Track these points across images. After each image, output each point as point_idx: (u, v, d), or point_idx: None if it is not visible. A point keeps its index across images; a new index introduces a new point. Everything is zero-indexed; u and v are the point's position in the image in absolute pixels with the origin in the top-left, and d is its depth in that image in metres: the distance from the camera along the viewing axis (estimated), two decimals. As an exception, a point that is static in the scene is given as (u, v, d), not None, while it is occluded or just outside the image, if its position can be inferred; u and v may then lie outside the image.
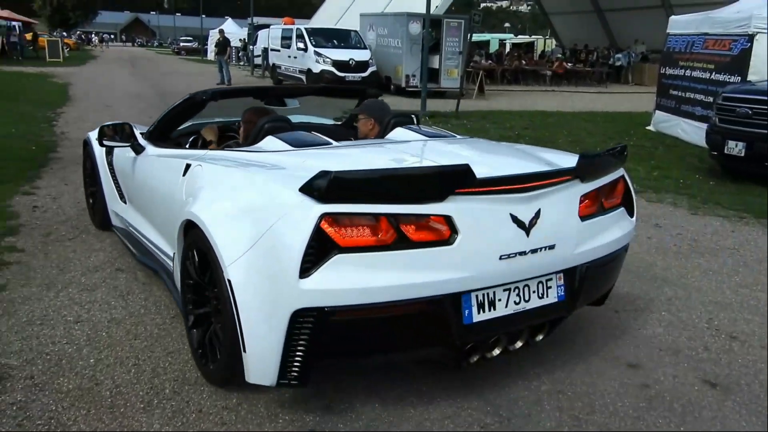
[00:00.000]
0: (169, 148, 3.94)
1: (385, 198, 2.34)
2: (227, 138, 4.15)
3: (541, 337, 2.94)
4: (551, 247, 2.69)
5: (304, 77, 19.15)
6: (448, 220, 2.43)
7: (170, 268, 3.35)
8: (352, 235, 2.32)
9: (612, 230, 3.05)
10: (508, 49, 35.81)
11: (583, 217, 2.86)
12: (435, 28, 18.92)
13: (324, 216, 2.28)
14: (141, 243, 4.06)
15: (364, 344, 2.53)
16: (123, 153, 4.31)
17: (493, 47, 37.37)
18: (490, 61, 26.77)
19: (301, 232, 2.27)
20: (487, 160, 3.15)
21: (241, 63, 35.34)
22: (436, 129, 3.99)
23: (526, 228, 2.59)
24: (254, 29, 30.16)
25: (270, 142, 3.21)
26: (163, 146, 3.98)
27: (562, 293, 2.83)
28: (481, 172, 2.49)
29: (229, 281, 2.44)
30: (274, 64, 22.19)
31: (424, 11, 14.44)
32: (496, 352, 2.80)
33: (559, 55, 30.97)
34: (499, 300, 2.63)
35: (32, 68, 24.63)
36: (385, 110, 3.93)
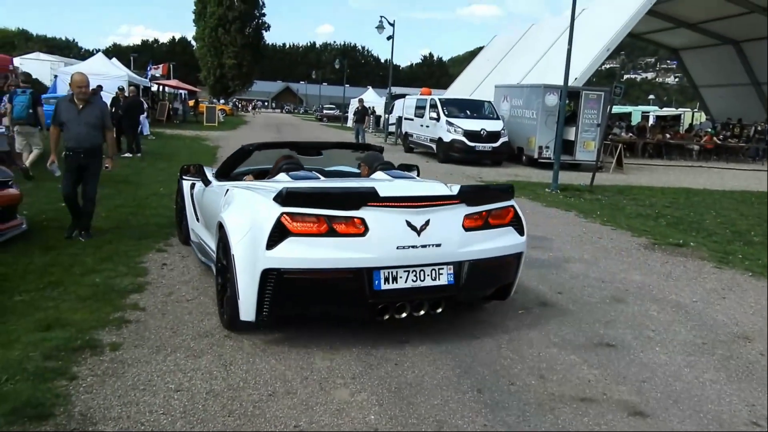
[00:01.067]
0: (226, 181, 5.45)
1: (322, 205, 3.91)
2: (264, 174, 5.71)
3: (439, 310, 4.23)
4: (438, 245, 4.10)
5: (434, 146, 19.31)
6: (362, 220, 3.93)
7: (214, 257, 4.87)
8: (300, 226, 3.88)
9: (496, 241, 4.43)
10: (651, 121, 34.21)
11: (467, 228, 4.26)
12: (572, 100, 18.51)
13: (283, 214, 3.87)
14: (203, 247, 5.57)
15: (306, 297, 4.03)
16: (199, 186, 6.04)
17: (635, 119, 35.88)
18: (630, 134, 25.62)
19: (269, 222, 3.86)
20: (407, 187, 4.69)
21: (378, 131, 36.57)
22: (402, 172, 5.55)
23: (417, 230, 4.02)
24: (392, 98, 31.21)
25: (281, 176, 5.03)
26: (222, 180, 5.59)
27: (452, 279, 4.18)
28: (389, 193, 4.05)
29: (233, 255, 4.05)
30: (406, 133, 22.67)
31: (561, 83, 14.14)
32: (404, 315, 4.12)
33: (709, 129, 29.07)
34: (400, 277, 4.02)
35: (190, 132, 27.00)
36: (376, 159, 5.81)
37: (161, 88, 40.72)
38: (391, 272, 3.99)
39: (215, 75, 72.86)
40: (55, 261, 5.81)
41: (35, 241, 6.48)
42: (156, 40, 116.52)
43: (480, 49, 41.08)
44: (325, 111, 64.58)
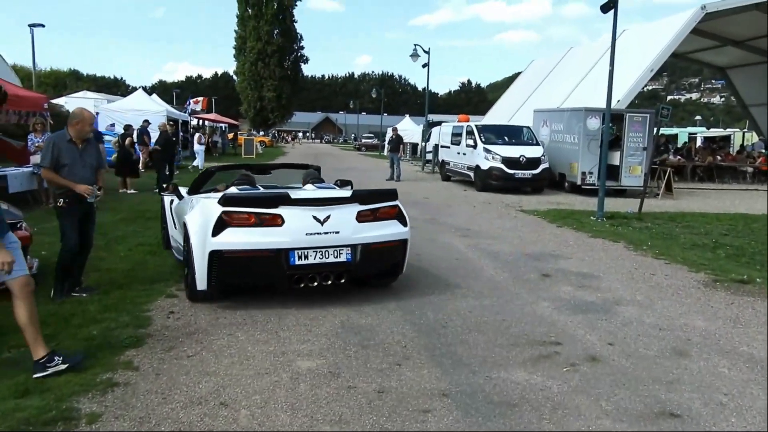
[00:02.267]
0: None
1: (251, 205, 5.51)
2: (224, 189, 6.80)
3: (342, 281, 5.74)
4: (337, 233, 5.60)
5: (472, 174, 18.67)
6: (280, 216, 5.50)
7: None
8: (236, 220, 5.44)
9: (383, 230, 5.92)
10: (699, 143, 32.83)
11: (360, 221, 5.77)
12: (616, 123, 17.69)
13: (223, 212, 5.43)
14: (178, 247, 6.67)
15: (241, 271, 5.57)
16: (175, 201, 7.41)
17: (681, 141, 34.52)
18: (679, 157, 24.49)
19: (213, 218, 5.42)
20: (317, 193, 6.19)
21: (414, 159, 36.06)
22: (326, 184, 7.09)
23: (321, 222, 5.57)
24: (429, 126, 30.74)
25: (232, 189, 6.42)
26: (192, 195, 7.04)
27: (350, 257, 5.67)
28: (299, 197, 5.72)
29: (191, 243, 5.56)
30: (443, 161, 22.10)
31: (602, 105, 13.42)
32: (315, 284, 5.63)
33: (763, 150, 27.65)
34: (310, 255, 5.53)
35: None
36: (309, 175, 7.38)
37: (200, 122, 41.24)
38: (303, 252, 5.54)
39: (255, 107, 73.99)
40: (58, 310, 5.39)
41: (44, 286, 6.07)
42: (199, 76, 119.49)
43: (518, 74, 40.42)
44: (363, 140, 64.68)
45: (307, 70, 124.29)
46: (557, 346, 4.84)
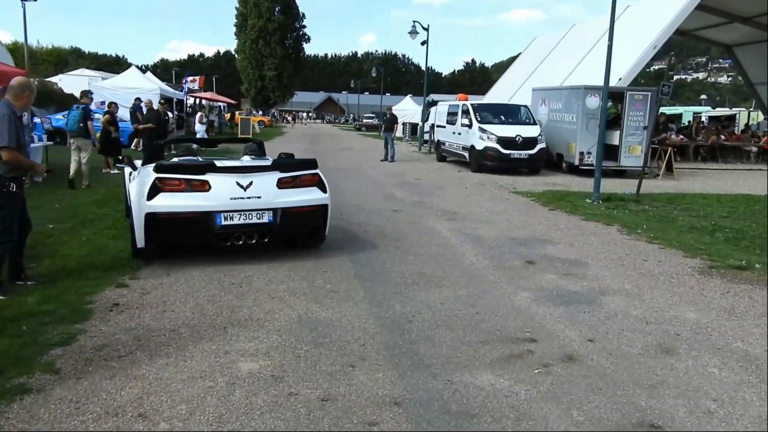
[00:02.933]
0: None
1: (181, 172, 6.17)
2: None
3: (266, 240, 6.48)
4: (258, 197, 6.27)
5: (467, 155, 18.14)
6: (206, 182, 6.14)
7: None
8: (168, 186, 6.07)
9: (303, 196, 6.59)
10: (704, 122, 32.15)
11: (280, 187, 6.44)
12: (617, 102, 17.12)
13: (156, 178, 6.05)
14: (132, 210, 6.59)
15: (174, 231, 6.20)
16: (132, 172, 7.55)
17: (685, 120, 33.83)
18: (681, 136, 23.86)
19: (149, 184, 6.04)
20: (244, 162, 6.99)
21: (413, 139, 35.48)
22: (260, 156, 7.71)
23: (244, 188, 6.22)
24: (428, 106, 30.12)
25: (174, 159, 7.15)
26: (144, 166, 7.23)
27: (271, 219, 6.35)
28: (224, 165, 6.40)
29: (131, 207, 6.41)
30: (438, 141, 21.56)
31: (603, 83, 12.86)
32: (240, 242, 6.35)
33: (768, 129, 27.00)
34: (234, 217, 6.20)
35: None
36: (248, 148, 8.03)
37: (197, 100, 40.63)
38: (228, 214, 6.19)
39: (256, 87, 73.21)
40: (-6, 300, 4.97)
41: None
42: (201, 54, 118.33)
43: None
44: (364, 120, 63.94)
45: (310, 49, 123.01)
46: (531, 344, 4.40)
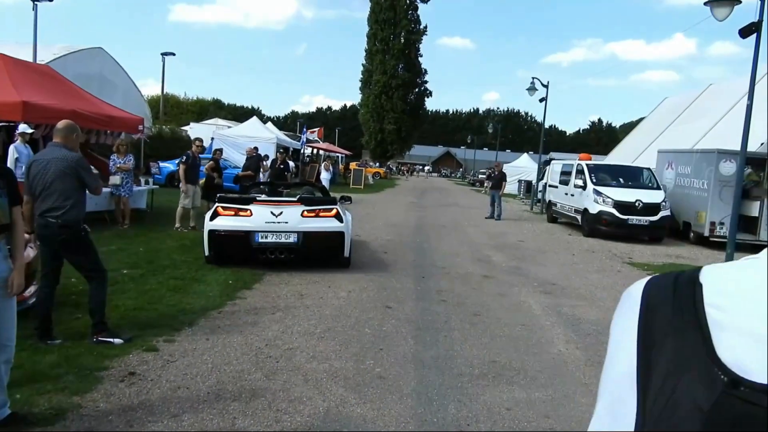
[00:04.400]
0: None
1: (233, 203, 8.72)
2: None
3: (293, 256, 8.50)
4: (286, 222, 8.37)
5: (579, 217, 16.70)
6: (250, 210, 8.51)
7: None
8: (224, 212, 8.53)
9: (322, 224, 8.49)
10: None
11: (304, 217, 8.47)
12: (758, 169, 15.15)
13: (216, 206, 8.71)
14: None
15: (225, 244, 8.56)
16: None
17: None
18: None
19: (212, 210, 8.77)
20: (277, 198, 9.69)
21: (526, 197, 34.02)
22: (308, 196, 10.24)
23: (276, 216, 8.41)
24: (544, 164, 28.77)
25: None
26: None
27: (296, 240, 8.36)
28: (263, 199, 9.07)
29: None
30: (550, 201, 20.19)
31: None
32: (272, 256, 8.44)
33: None
34: (269, 236, 8.32)
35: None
36: (306, 191, 11.33)
37: (314, 151, 41.72)
38: (263, 234, 8.24)
39: (376, 139, 74.76)
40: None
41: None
42: (329, 107, 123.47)
43: (652, 113, 37.25)
44: (479, 176, 62.95)
45: (432, 104, 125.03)
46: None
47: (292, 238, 8.31)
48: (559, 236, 15.96)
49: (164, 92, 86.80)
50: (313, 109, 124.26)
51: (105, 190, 12.59)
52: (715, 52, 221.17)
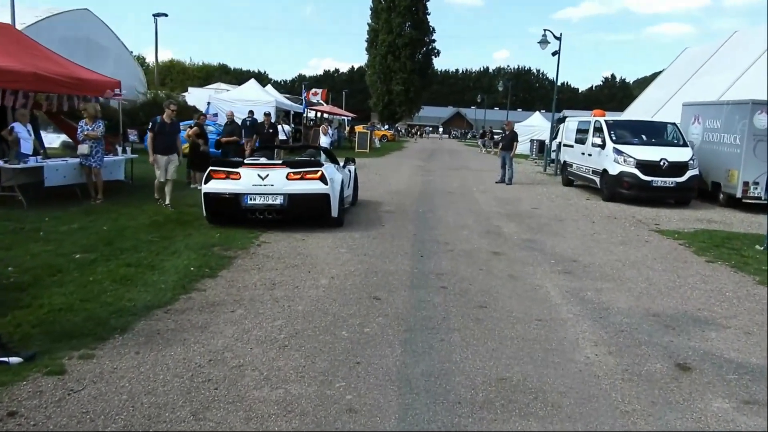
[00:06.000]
0: None
1: (225, 166, 9.10)
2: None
3: (279, 217, 8.95)
4: (272, 185, 8.76)
5: (597, 180, 15.32)
6: (239, 173, 8.88)
7: None
8: (216, 175, 8.91)
9: (306, 186, 8.81)
10: None
11: (289, 179, 8.82)
12: (794, 120, 13.62)
13: (209, 170, 9.02)
14: None
15: (219, 205, 9.02)
16: None
17: None
18: None
19: (205, 174, 9.08)
20: (263, 161, 9.82)
21: (538, 158, 32.50)
22: (301, 159, 10.56)
23: (263, 179, 8.78)
24: (557, 122, 27.19)
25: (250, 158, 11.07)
26: None
27: (282, 202, 8.80)
28: (251, 162, 9.62)
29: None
30: (565, 162, 18.75)
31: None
32: (261, 217, 8.90)
33: None
34: (256, 198, 8.78)
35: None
36: (308, 154, 11.28)
37: (319, 114, 40.24)
38: (251, 196, 8.73)
39: (383, 101, 73.03)
40: None
41: None
42: (336, 70, 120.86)
43: (668, 66, 35.28)
44: (495, 137, 61.08)
45: (441, 64, 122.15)
46: None
47: (279, 200, 8.72)
48: (576, 201, 14.62)
49: (171, 59, 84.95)
50: (321, 72, 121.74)
51: (73, 160, 11.44)
52: (732, 2, 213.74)
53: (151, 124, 10.83)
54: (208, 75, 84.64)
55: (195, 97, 35.12)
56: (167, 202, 10.74)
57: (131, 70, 31.61)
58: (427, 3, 72.27)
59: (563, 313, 5.52)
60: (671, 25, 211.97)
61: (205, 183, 8.93)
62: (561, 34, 26.75)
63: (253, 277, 6.38)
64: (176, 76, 76.24)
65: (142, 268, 6.50)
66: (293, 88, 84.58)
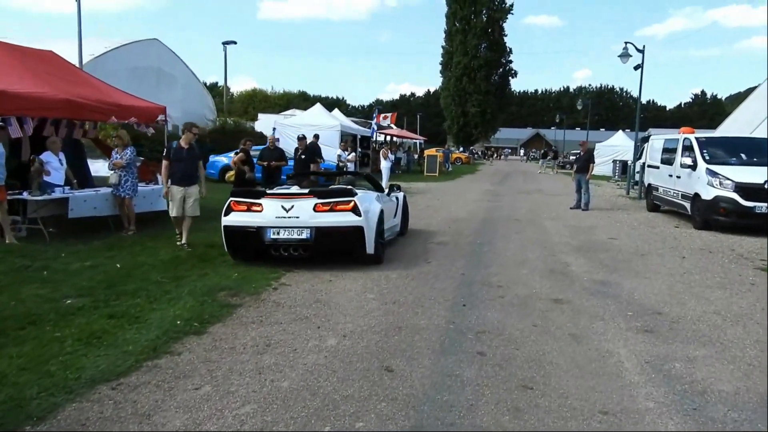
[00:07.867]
0: None
1: (246, 197, 8.26)
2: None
3: (306, 253, 7.94)
4: (297, 217, 7.82)
5: (688, 205, 13.37)
6: (260, 204, 8.03)
7: None
8: (236, 207, 8.11)
9: (338, 218, 7.86)
10: None
11: (316, 211, 7.85)
12: None
13: (230, 201, 8.19)
14: None
15: (239, 239, 8.16)
16: None
17: None
18: None
19: (226, 205, 8.21)
20: (288, 191, 8.89)
21: (621, 180, 30.12)
22: (338, 187, 9.97)
23: (287, 210, 7.86)
24: (641, 141, 24.98)
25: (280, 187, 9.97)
26: None
27: (309, 236, 7.79)
28: (274, 192, 8.58)
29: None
30: (650, 185, 16.71)
31: None
32: (285, 253, 7.94)
33: None
34: (280, 233, 7.85)
35: (402, 183, 24.16)
36: (348, 181, 11.04)
37: (386, 138, 39.39)
38: (275, 230, 7.88)
39: (458, 123, 71.81)
40: None
41: None
42: (413, 94, 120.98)
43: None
44: (571, 158, 58.39)
45: (519, 85, 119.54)
46: None
47: (305, 234, 7.82)
48: (662, 230, 12.73)
49: (254, 87, 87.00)
50: (397, 97, 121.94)
51: (105, 190, 10.80)
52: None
53: (165, 150, 9.43)
54: (288, 102, 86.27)
55: (263, 123, 35.16)
56: (183, 241, 9.34)
57: (200, 98, 31.95)
58: (504, 24, 70.74)
59: (640, 401, 4.00)
60: (761, 39, 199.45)
61: (225, 215, 8.09)
62: (644, 46, 24.82)
63: (247, 335, 5.21)
64: (258, 104, 77.88)
65: (124, 321, 5.49)
66: (369, 112, 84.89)
